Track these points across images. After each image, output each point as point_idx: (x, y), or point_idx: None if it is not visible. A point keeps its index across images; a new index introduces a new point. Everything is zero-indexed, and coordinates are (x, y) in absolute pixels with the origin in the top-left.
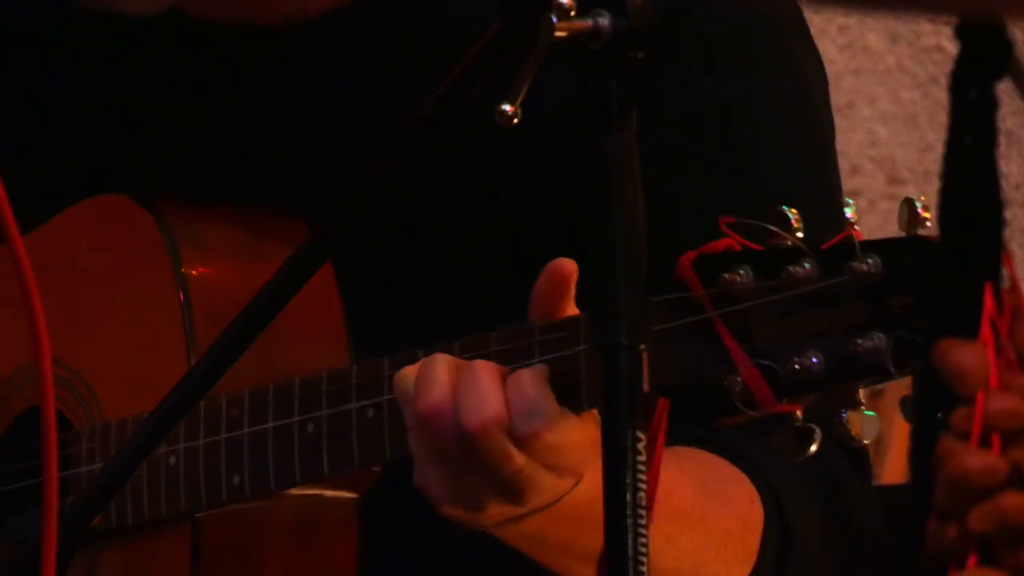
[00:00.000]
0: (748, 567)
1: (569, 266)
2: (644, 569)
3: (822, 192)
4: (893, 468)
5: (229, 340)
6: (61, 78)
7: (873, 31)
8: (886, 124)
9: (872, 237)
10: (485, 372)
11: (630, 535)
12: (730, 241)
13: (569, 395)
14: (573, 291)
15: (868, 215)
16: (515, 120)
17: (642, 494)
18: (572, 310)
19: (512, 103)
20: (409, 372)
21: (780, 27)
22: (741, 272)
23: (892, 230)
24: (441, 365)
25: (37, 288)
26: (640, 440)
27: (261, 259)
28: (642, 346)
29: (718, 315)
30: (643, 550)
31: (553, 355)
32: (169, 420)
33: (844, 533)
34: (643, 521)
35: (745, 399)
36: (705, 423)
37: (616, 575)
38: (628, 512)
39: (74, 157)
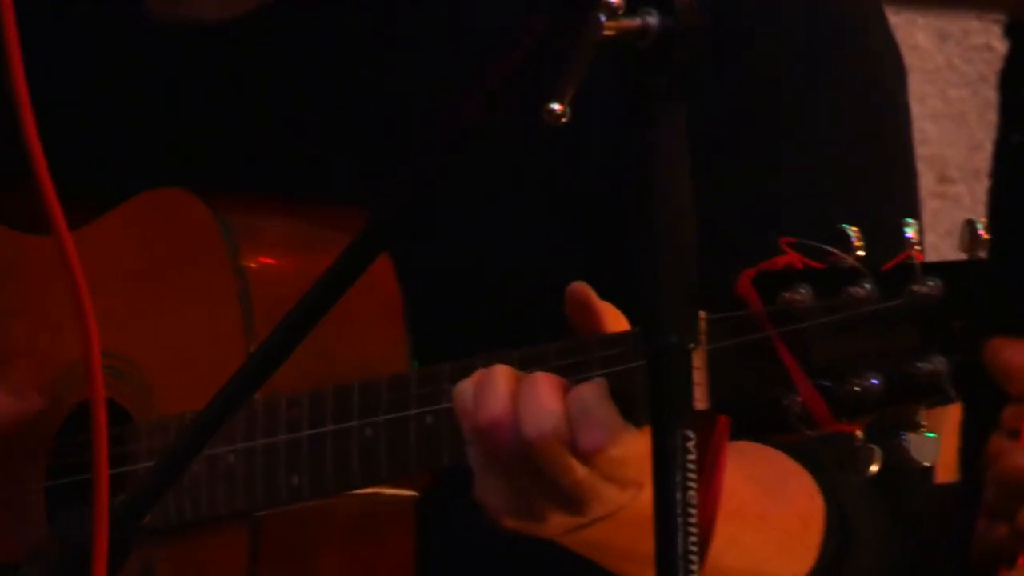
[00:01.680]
0: (809, 562)
1: (579, 287)
2: (694, 568)
3: (893, 196)
4: (943, 466)
5: (284, 333)
6: (113, 75)
7: (922, 30)
8: (935, 123)
9: (922, 236)
10: (545, 384)
11: (680, 534)
12: (790, 258)
13: (625, 410)
14: (597, 304)
15: None
16: (563, 119)
17: (692, 493)
18: (610, 316)
19: (561, 102)
20: (468, 385)
21: (859, 17)
22: (801, 291)
23: (941, 229)
24: (500, 377)
25: (96, 280)
26: (689, 439)
27: (318, 250)
28: (691, 344)
29: (777, 334)
30: (693, 548)
31: (611, 369)
32: (224, 413)
33: (904, 528)
34: (693, 520)
35: (803, 418)
36: (762, 440)
37: (666, 574)
38: (678, 511)
39: (131, 149)
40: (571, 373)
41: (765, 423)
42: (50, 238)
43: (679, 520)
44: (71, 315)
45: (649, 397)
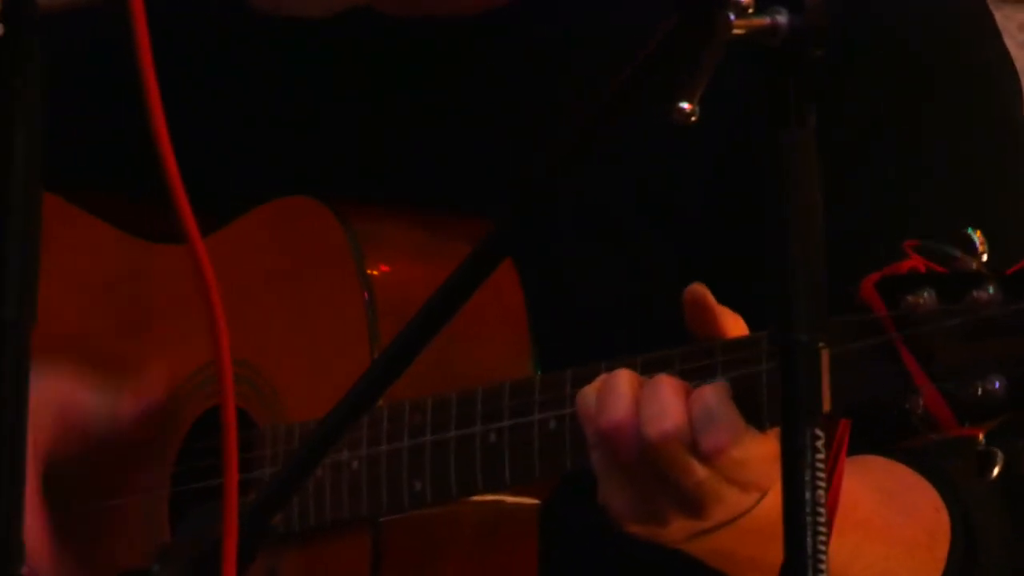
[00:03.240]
0: (935, 575)
1: (697, 288)
2: (823, 567)
3: (1010, 206)
4: None
5: (407, 340)
6: (241, 79)
7: None
8: None
9: None
10: (667, 385)
11: (809, 533)
12: (914, 263)
13: (750, 414)
14: (715, 306)
15: None
16: (693, 118)
17: (821, 492)
18: (728, 320)
19: (690, 101)
20: (590, 390)
21: (973, 30)
22: (924, 295)
23: None
24: (623, 380)
25: (222, 288)
26: (819, 438)
27: (444, 259)
28: (821, 344)
29: (901, 337)
30: (822, 548)
31: (735, 373)
32: (348, 420)
33: None
34: (822, 519)
35: (926, 422)
36: (885, 444)
37: (795, 573)
38: (807, 510)
39: (258, 158)
40: (694, 377)
41: (888, 427)
42: (179, 246)
43: (808, 519)
44: (198, 323)
45: (780, 396)
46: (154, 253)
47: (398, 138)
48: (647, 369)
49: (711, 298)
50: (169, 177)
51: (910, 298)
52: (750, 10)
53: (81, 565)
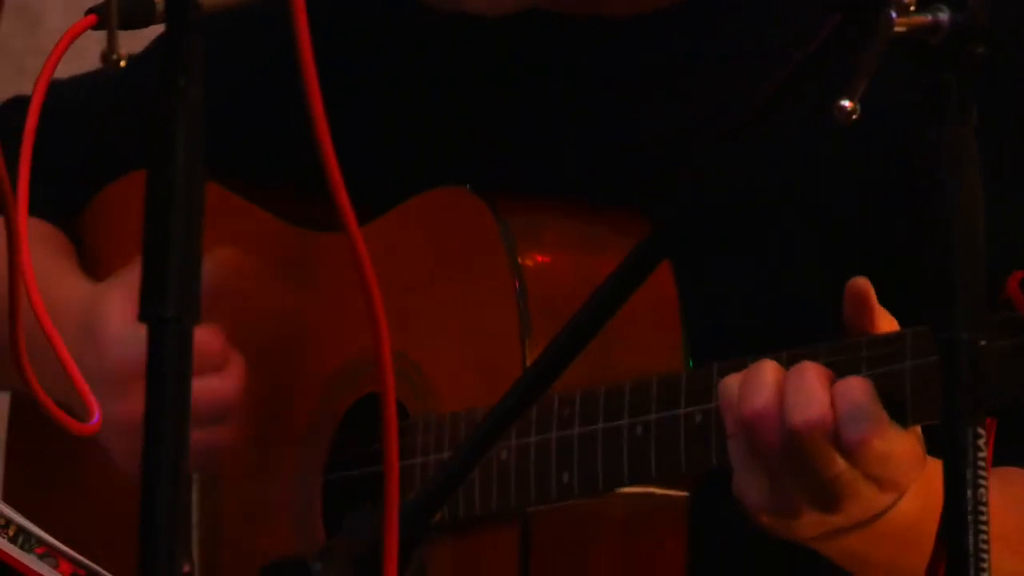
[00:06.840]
0: None
1: (861, 283)
2: (985, 567)
3: None
4: None
5: (567, 339)
6: (402, 71)
7: None
8: None
9: None
10: (813, 373)
11: (971, 532)
12: None
13: (893, 411)
14: (875, 303)
15: None
16: (854, 116)
17: (983, 491)
18: (884, 320)
19: (851, 99)
20: (733, 380)
21: None
22: None
23: None
24: (768, 369)
25: (377, 278)
26: (980, 436)
27: (596, 250)
28: (982, 341)
29: None
30: (983, 547)
31: (879, 370)
32: (506, 420)
33: None
34: (984, 518)
35: None
36: None
37: (957, 572)
38: (969, 509)
39: (416, 149)
40: (839, 373)
41: None
42: (336, 235)
43: (970, 518)
44: (353, 312)
45: (924, 394)
46: (312, 242)
47: (556, 132)
48: (792, 364)
49: (873, 294)
50: (330, 173)
51: None
52: (912, 8)
53: (235, 549)
